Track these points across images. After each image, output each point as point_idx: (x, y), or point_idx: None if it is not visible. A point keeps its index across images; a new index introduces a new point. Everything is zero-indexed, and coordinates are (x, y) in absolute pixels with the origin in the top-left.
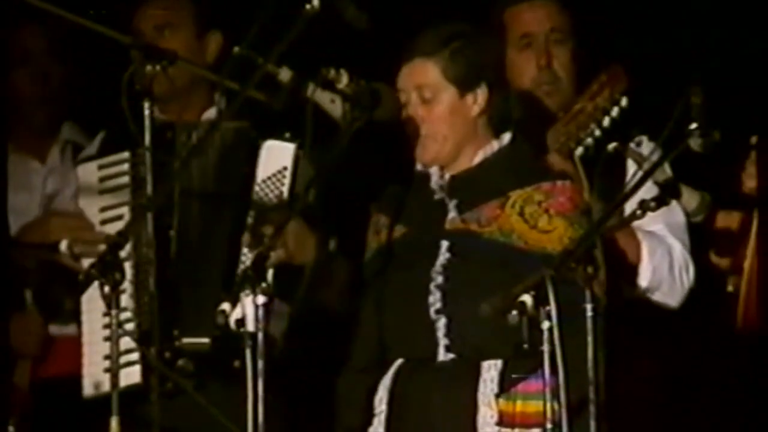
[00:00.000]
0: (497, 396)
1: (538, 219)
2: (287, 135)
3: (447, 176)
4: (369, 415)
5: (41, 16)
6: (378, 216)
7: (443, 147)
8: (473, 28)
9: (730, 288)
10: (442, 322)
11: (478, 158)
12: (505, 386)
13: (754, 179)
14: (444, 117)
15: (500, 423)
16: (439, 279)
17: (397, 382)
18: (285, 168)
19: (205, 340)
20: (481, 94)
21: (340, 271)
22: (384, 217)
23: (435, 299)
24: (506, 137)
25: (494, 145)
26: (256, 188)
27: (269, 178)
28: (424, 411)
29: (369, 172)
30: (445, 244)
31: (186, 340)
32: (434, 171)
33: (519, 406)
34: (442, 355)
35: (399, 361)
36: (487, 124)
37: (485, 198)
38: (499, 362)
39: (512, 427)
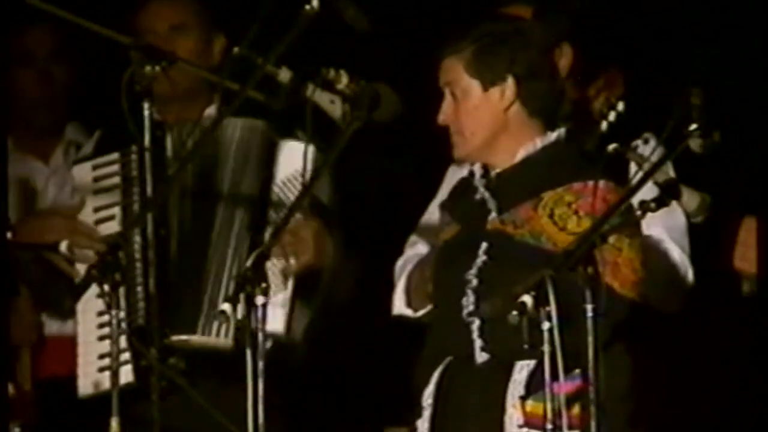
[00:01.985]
0: (522, 398)
1: (567, 220)
2: (299, 133)
3: (493, 174)
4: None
5: (44, 17)
6: (443, 213)
7: (471, 143)
8: (513, 24)
9: (745, 290)
10: (475, 324)
11: (520, 156)
12: (532, 388)
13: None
14: (469, 112)
15: (528, 425)
16: (474, 281)
17: (443, 379)
18: (305, 170)
19: (192, 336)
20: (508, 87)
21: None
22: (446, 214)
23: (468, 301)
24: (553, 135)
25: (537, 143)
26: (275, 189)
27: (287, 179)
28: (460, 409)
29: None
30: (484, 245)
31: (175, 337)
32: (477, 169)
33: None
34: (479, 356)
35: (449, 359)
36: (528, 117)
37: (522, 198)
38: (531, 363)
39: (541, 428)
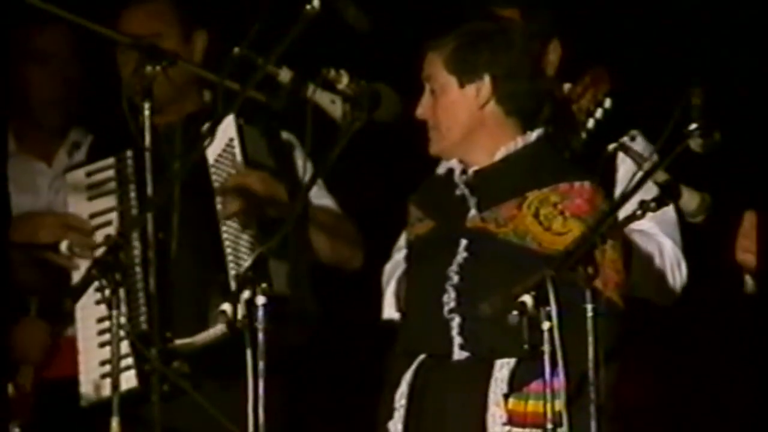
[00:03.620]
0: (506, 396)
1: (552, 221)
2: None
3: (470, 171)
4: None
5: (59, 17)
6: (413, 208)
7: (447, 138)
8: (497, 24)
9: (748, 289)
10: (456, 321)
11: (500, 154)
12: (514, 386)
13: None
14: (445, 108)
15: (510, 423)
16: (455, 278)
17: (417, 378)
18: (231, 139)
19: (219, 328)
20: (484, 86)
21: (335, 221)
22: (417, 210)
23: (449, 298)
24: (533, 135)
25: (518, 142)
26: (212, 170)
27: (220, 155)
28: (439, 408)
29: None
30: (463, 242)
31: (179, 341)
32: (456, 165)
33: (530, 405)
34: (457, 354)
35: (421, 357)
36: (505, 117)
37: (504, 197)
38: (512, 361)
39: (523, 426)
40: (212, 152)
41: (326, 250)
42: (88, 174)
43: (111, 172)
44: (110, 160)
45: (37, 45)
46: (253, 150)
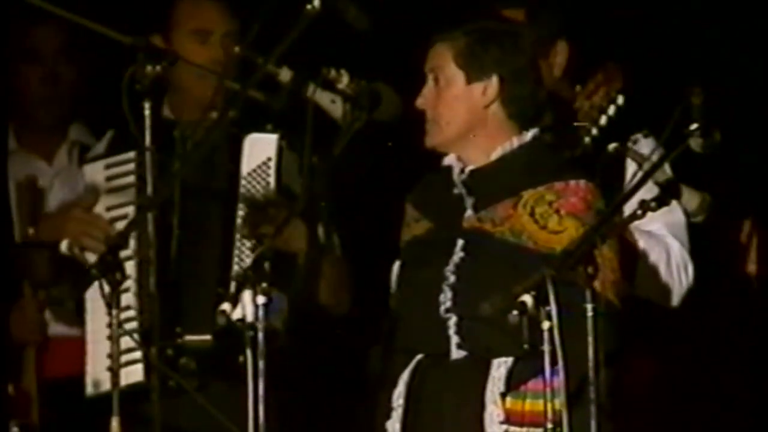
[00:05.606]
0: (503, 395)
1: (548, 219)
2: (269, 127)
3: (467, 171)
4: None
5: (52, 15)
6: (409, 208)
7: (445, 132)
8: (508, 25)
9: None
10: (452, 321)
11: (496, 154)
12: (511, 385)
13: (755, 264)
14: (448, 102)
15: (508, 422)
16: (452, 278)
17: (414, 378)
18: (269, 159)
19: (207, 336)
20: (491, 86)
21: (335, 266)
22: (414, 210)
23: (446, 297)
24: (528, 135)
25: (514, 142)
26: (243, 182)
27: (254, 170)
28: (436, 408)
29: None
30: (460, 242)
31: (188, 337)
32: (455, 163)
33: (528, 404)
34: (455, 353)
35: (419, 357)
36: (506, 119)
37: (500, 197)
38: (509, 360)
39: (521, 425)
40: (247, 165)
41: (321, 296)
42: (107, 166)
43: (131, 166)
44: (131, 154)
45: (26, 44)
46: (286, 175)
